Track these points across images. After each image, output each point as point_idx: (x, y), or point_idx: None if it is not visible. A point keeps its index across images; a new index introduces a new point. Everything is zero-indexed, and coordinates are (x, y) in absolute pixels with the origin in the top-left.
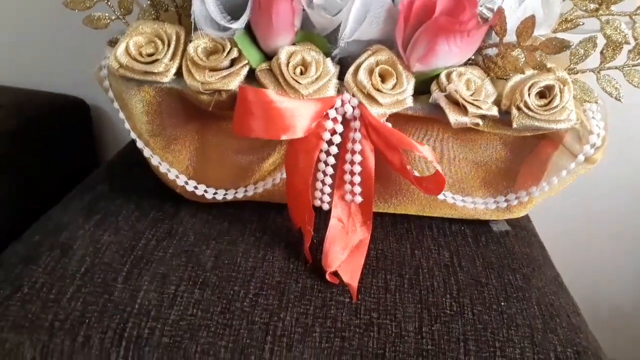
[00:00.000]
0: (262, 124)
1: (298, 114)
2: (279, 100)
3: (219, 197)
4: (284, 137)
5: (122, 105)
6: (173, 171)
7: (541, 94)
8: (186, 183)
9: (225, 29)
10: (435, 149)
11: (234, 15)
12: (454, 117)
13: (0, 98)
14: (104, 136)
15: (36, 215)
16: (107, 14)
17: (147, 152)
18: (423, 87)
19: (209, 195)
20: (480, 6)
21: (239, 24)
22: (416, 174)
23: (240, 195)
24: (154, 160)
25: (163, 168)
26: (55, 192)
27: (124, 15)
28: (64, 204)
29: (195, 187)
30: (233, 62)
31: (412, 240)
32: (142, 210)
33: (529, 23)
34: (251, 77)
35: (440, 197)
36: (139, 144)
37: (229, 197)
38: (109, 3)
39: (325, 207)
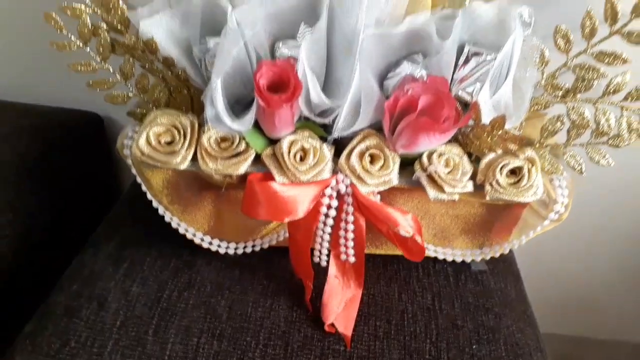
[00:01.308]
0: (267, 209)
1: (299, 200)
2: (282, 189)
3: (231, 251)
4: (287, 220)
5: (144, 179)
6: (190, 230)
7: (512, 171)
8: (202, 240)
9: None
10: (419, 208)
11: (242, 101)
12: (434, 194)
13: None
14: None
15: (55, 226)
16: (125, 93)
17: (167, 217)
18: (408, 160)
19: (222, 250)
20: (460, 90)
21: (245, 126)
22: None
23: (249, 249)
24: (174, 223)
25: (182, 229)
26: (73, 203)
27: (127, 79)
28: (93, 247)
29: (210, 243)
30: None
31: (400, 283)
32: (163, 258)
33: (500, 120)
34: (258, 157)
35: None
36: (160, 210)
37: (239, 251)
38: (128, 83)
39: (323, 264)
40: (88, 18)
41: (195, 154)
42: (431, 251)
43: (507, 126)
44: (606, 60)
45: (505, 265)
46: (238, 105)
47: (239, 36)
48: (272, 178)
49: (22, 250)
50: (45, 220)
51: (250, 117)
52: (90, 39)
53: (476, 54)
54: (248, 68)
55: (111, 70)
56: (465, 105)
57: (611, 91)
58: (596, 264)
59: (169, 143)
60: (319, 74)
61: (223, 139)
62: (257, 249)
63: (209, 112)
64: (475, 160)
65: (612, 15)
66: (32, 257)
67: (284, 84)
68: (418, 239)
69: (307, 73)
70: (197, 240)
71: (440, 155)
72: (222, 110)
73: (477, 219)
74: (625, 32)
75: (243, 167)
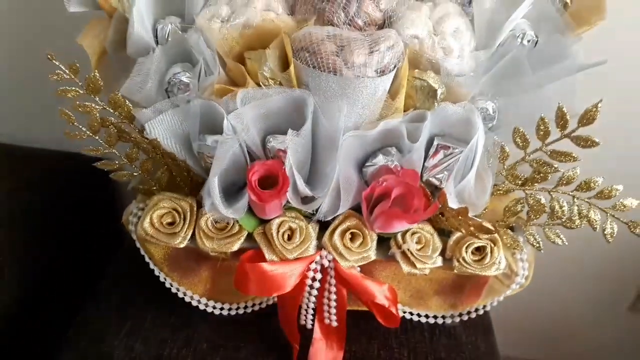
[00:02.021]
0: (257, 286)
1: (287, 276)
2: (271, 269)
3: (225, 312)
4: (275, 295)
5: (147, 252)
6: (188, 293)
7: (477, 248)
8: (199, 302)
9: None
10: (395, 274)
11: (237, 183)
12: (407, 269)
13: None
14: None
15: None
16: (130, 172)
17: (167, 283)
18: (385, 236)
19: (216, 311)
20: (430, 177)
21: (239, 214)
22: None
23: (241, 311)
24: (173, 288)
25: (180, 293)
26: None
27: (132, 162)
28: (96, 301)
29: (206, 305)
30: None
31: (380, 339)
32: (163, 316)
33: (464, 210)
34: (250, 235)
35: (400, 313)
36: (161, 277)
37: (233, 312)
38: (133, 164)
39: (309, 326)
40: (97, 114)
41: (193, 233)
42: (407, 313)
43: (470, 214)
44: (558, 158)
45: (477, 317)
46: (233, 186)
47: (235, 140)
48: (262, 254)
49: (24, 298)
50: (46, 265)
51: (243, 205)
52: (99, 130)
53: (444, 147)
54: (242, 160)
55: (117, 153)
56: (436, 187)
57: (564, 182)
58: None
59: (170, 224)
60: (305, 168)
61: (219, 219)
62: (249, 310)
63: (206, 203)
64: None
65: (562, 123)
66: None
67: (273, 179)
68: (393, 309)
69: (294, 171)
70: (194, 303)
71: (413, 233)
72: (218, 202)
73: (449, 282)
74: (574, 136)
75: (236, 245)
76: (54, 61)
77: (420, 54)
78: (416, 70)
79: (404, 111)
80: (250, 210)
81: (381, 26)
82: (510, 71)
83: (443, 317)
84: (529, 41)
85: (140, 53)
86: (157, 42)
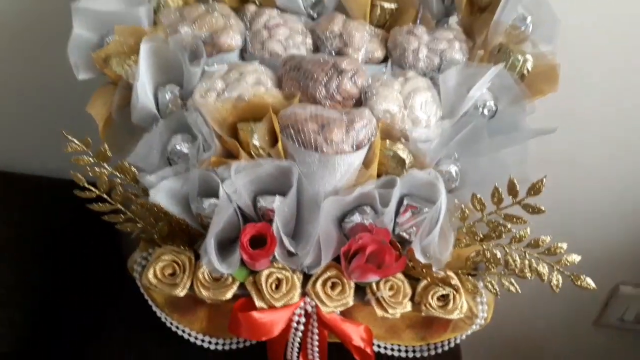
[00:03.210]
0: (248, 332)
1: (275, 322)
2: (260, 317)
3: (220, 347)
4: (264, 339)
5: (150, 297)
6: (187, 330)
7: (442, 295)
8: (196, 338)
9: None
10: (372, 313)
11: (232, 237)
12: (380, 313)
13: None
14: None
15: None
16: (134, 225)
17: (167, 323)
18: (363, 284)
19: (212, 346)
20: (400, 231)
21: (232, 269)
22: None
23: (234, 345)
24: (173, 327)
25: (179, 331)
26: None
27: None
28: (102, 336)
29: (202, 340)
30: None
31: None
32: (165, 346)
33: (428, 267)
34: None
35: (376, 348)
36: (162, 318)
37: (227, 347)
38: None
39: None
40: (106, 177)
41: (192, 283)
42: (382, 348)
43: (434, 269)
44: (510, 221)
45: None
46: (228, 240)
47: (229, 206)
48: (253, 301)
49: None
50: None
51: (235, 260)
52: (107, 189)
53: (412, 206)
54: (236, 220)
55: (122, 208)
56: (406, 240)
57: (516, 240)
58: (533, 313)
59: (171, 275)
60: (291, 224)
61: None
62: (241, 345)
63: (204, 259)
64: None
65: (513, 193)
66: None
67: (262, 239)
68: (368, 350)
69: (281, 233)
70: (192, 339)
71: (386, 281)
72: (214, 260)
73: (420, 318)
74: (524, 204)
75: (229, 293)
76: (69, 138)
77: (392, 126)
78: (388, 141)
79: (378, 176)
80: (242, 261)
81: (358, 100)
82: (472, 138)
83: (414, 350)
84: (489, 111)
85: (144, 121)
86: (158, 109)
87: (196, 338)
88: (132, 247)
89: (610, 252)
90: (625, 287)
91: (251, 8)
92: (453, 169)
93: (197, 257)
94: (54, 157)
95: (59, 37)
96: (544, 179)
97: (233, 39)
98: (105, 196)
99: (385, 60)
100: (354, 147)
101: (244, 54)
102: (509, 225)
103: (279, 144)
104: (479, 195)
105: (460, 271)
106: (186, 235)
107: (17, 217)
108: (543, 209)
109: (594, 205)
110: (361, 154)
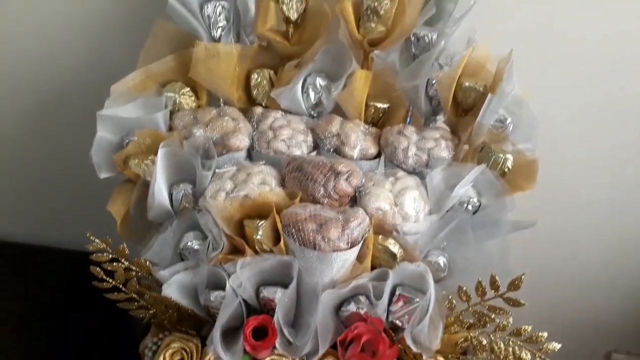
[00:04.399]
0: None
1: None
2: None
3: None
4: None
5: None
6: None
7: None
8: None
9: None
10: None
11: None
12: None
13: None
14: None
15: None
16: (146, 311)
17: None
18: None
19: None
20: (393, 319)
21: (236, 358)
22: None
23: None
24: None
25: None
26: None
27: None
28: None
29: None
30: None
31: None
32: None
33: (419, 356)
34: None
35: None
36: None
37: None
38: (149, 305)
39: None
40: (122, 270)
41: None
42: None
43: (424, 358)
44: (494, 312)
45: None
46: (232, 328)
47: (235, 299)
48: None
49: None
50: None
51: (239, 349)
52: (124, 281)
53: (404, 296)
54: (240, 311)
55: (136, 297)
56: (399, 327)
57: (500, 329)
58: None
59: None
60: (291, 314)
61: None
62: None
63: (210, 348)
64: None
65: (494, 287)
66: None
67: (264, 330)
68: None
69: (282, 324)
70: None
71: None
72: (220, 350)
73: None
74: (505, 297)
75: None
76: (91, 238)
77: (384, 221)
78: (380, 236)
79: (372, 267)
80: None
81: (353, 197)
82: (458, 232)
83: None
84: (473, 206)
85: (159, 217)
86: (172, 205)
87: None
88: (141, 323)
89: (602, 321)
90: (617, 355)
91: (258, 110)
92: (441, 260)
93: (204, 342)
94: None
95: (79, 121)
96: (523, 276)
97: (242, 141)
98: (121, 287)
99: (378, 155)
100: (349, 244)
101: (251, 151)
102: (493, 316)
103: (282, 242)
104: (464, 287)
105: (450, 355)
106: (194, 321)
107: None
108: (523, 302)
109: (585, 274)
110: (356, 250)
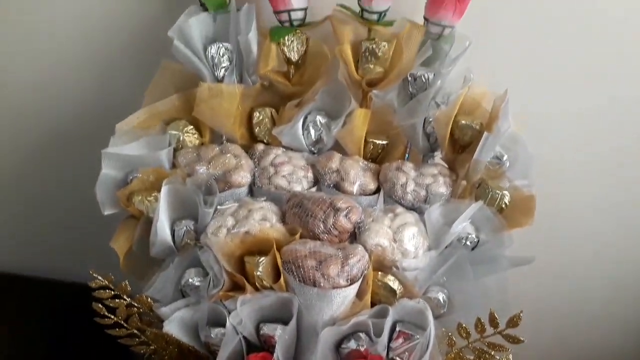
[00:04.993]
0: None
1: None
2: None
3: None
4: None
5: None
6: None
7: None
8: None
9: None
10: None
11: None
12: None
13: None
14: None
15: None
16: (147, 347)
17: None
18: None
19: None
20: (394, 356)
21: None
22: None
23: None
24: None
25: None
26: None
27: (149, 340)
28: None
29: None
30: None
31: None
32: None
33: None
34: None
35: None
36: None
37: None
38: (150, 341)
39: None
40: (124, 306)
41: None
42: None
43: None
44: (494, 349)
45: None
46: None
47: (235, 336)
48: None
49: None
50: None
51: None
52: (125, 317)
53: (404, 333)
54: (240, 348)
55: (137, 333)
56: None
57: None
58: None
59: None
60: (291, 350)
61: None
62: None
63: None
64: None
65: (494, 324)
66: None
67: None
68: None
69: None
70: None
71: None
72: None
73: None
74: (504, 334)
75: None
76: (94, 275)
77: (383, 257)
78: (379, 272)
79: (372, 304)
80: None
81: (352, 234)
82: (456, 268)
83: None
84: (471, 242)
85: (162, 253)
86: (174, 241)
87: None
88: (142, 358)
89: (601, 356)
90: None
91: (260, 147)
92: (441, 296)
93: None
94: (71, 262)
95: (84, 158)
96: (521, 314)
97: (243, 177)
98: (123, 322)
99: (378, 191)
100: (349, 280)
101: (253, 187)
102: (493, 352)
103: (282, 279)
104: (464, 324)
105: None
106: (195, 357)
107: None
108: (522, 339)
109: (585, 310)
110: (355, 287)
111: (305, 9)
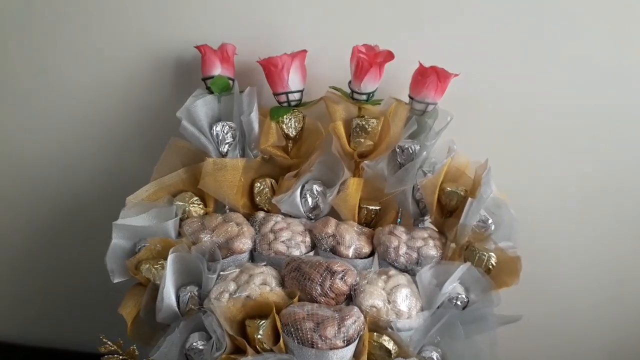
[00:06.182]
0: None
1: None
2: None
3: None
4: None
5: None
6: None
7: None
8: None
9: None
10: None
11: None
12: None
13: None
14: None
15: None
16: None
17: None
18: None
19: None
20: None
21: None
22: None
23: None
24: None
25: None
26: None
27: None
28: None
29: None
30: None
31: None
32: None
33: None
34: None
35: None
36: None
37: None
38: None
39: None
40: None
41: None
42: None
43: None
44: None
45: None
46: None
47: None
48: None
49: None
50: None
51: None
52: None
53: None
54: None
55: None
56: None
57: None
58: None
59: None
60: None
61: None
62: None
63: None
64: None
65: None
66: None
67: None
68: None
69: None
70: None
71: None
72: None
73: None
74: None
75: None
76: (104, 340)
77: (378, 318)
78: (375, 333)
79: None
80: None
81: (348, 296)
82: (448, 327)
83: None
84: (461, 302)
85: (167, 319)
86: (178, 306)
87: None
88: None
89: None
90: None
91: (260, 215)
92: (435, 355)
93: None
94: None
95: (95, 230)
96: None
97: (245, 244)
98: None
99: (372, 254)
100: (346, 341)
101: (254, 253)
102: None
103: (281, 341)
104: None
105: None
106: None
107: None
108: None
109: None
110: (352, 348)
111: (301, 91)
